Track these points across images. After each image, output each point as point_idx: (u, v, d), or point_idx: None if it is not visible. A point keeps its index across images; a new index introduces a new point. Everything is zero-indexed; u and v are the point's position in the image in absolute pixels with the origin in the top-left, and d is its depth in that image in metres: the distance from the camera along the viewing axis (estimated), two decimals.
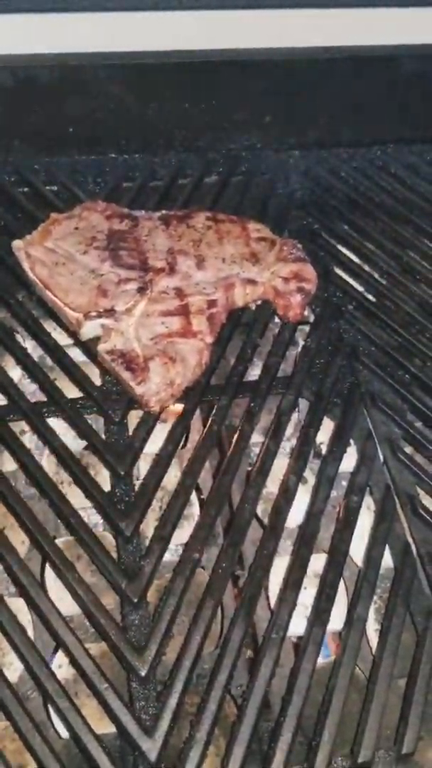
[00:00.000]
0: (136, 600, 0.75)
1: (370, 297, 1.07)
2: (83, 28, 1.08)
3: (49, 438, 0.86)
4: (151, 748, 0.67)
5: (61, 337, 0.98)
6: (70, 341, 0.97)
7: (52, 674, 0.72)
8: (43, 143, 1.17)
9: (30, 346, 1.00)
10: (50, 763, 0.67)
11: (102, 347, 0.88)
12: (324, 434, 0.93)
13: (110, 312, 0.90)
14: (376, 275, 1.11)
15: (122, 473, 0.84)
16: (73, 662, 0.73)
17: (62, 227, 0.99)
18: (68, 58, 1.10)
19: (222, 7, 1.10)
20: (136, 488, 0.84)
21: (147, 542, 0.80)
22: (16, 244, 0.96)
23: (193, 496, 0.91)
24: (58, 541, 0.84)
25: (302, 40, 1.17)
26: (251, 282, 0.97)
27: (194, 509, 0.89)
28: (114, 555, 0.80)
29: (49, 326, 0.98)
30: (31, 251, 0.95)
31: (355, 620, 0.76)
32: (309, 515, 0.83)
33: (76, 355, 0.96)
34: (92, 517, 0.91)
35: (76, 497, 0.85)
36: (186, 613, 0.78)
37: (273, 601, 0.80)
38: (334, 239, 1.14)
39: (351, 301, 1.06)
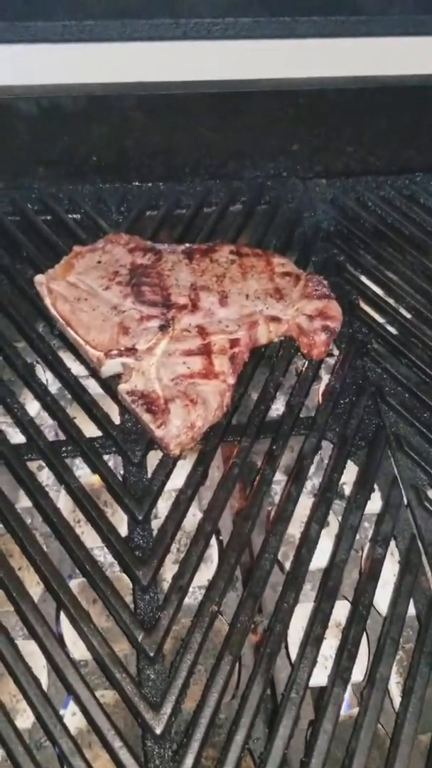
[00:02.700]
0: (152, 654, 0.73)
1: (395, 333, 1.05)
2: (109, 57, 1.06)
3: (66, 479, 0.85)
4: None
5: (81, 369, 0.97)
6: (89, 373, 0.96)
7: (65, 729, 0.70)
8: (67, 171, 1.16)
9: (49, 378, 0.99)
10: None
11: (122, 387, 0.87)
12: (347, 477, 0.91)
13: (131, 351, 0.88)
14: (402, 310, 1.08)
15: (140, 518, 0.82)
16: (86, 714, 0.71)
17: (85, 260, 0.98)
18: (93, 87, 1.09)
19: (249, 37, 1.08)
20: (155, 533, 0.82)
21: (165, 587, 0.79)
22: (38, 279, 0.95)
23: (213, 539, 0.90)
24: (73, 582, 0.83)
25: (330, 70, 1.15)
26: (275, 319, 0.95)
27: (213, 551, 0.87)
28: (129, 600, 0.78)
29: (69, 359, 0.97)
30: (53, 286, 0.94)
31: (377, 680, 0.74)
32: (331, 565, 0.81)
33: (95, 388, 0.95)
34: (108, 557, 0.89)
35: (91, 537, 0.84)
36: (204, 664, 0.77)
37: (293, 650, 0.78)
38: (360, 271, 1.12)
39: (376, 337, 1.03)
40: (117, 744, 0.69)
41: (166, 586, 0.79)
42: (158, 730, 0.69)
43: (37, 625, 0.75)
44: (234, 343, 0.91)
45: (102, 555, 0.90)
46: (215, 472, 0.92)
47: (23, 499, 0.88)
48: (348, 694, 0.82)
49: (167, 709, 0.70)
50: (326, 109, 1.18)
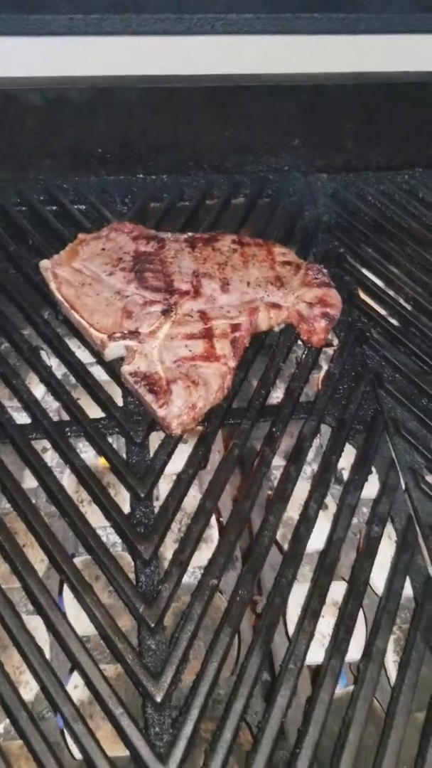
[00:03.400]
0: (153, 625, 0.75)
1: (394, 322, 1.07)
2: (115, 51, 1.09)
3: (71, 457, 0.86)
4: None
5: (85, 356, 0.99)
6: (93, 360, 0.98)
7: (68, 697, 0.71)
8: (72, 163, 1.19)
9: (54, 364, 1.01)
10: None
11: (125, 369, 0.88)
12: (345, 460, 0.92)
13: (134, 334, 0.90)
14: (402, 300, 1.10)
15: (142, 495, 0.84)
16: (89, 684, 0.73)
17: (89, 247, 1.00)
18: (99, 80, 1.11)
19: (251, 33, 1.11)
20: (156, 510, 0.84)
21: (165, 564, 0.80)
22: (44, 264, 0.97)
23: (213, 519, 0.91)
24: (77, 560, 0.84)
25: (332, 66, 1.17)
26: (275, 306, 0.97)
27: (213, 531, 0.89)
28: (132, 577, 0.80)
29: (74, 345, 0.99)
30: (58, 271, 0.96)
31: (374, 653, 0.75)
32: (329, 544, 0.82)
33: (99, 373, 0.96)
34: (111, 537, 0.91)
35: (95, 516, 0.86)
36: (203, 639, 0.78)
37: (291, 627, 0.79)
38: (360, 263, 1.14)
39: (375, 326, 1.05)
40: (118, 711, 0.70)
41: (166, 564, 0.81)
42: (158, 698, 0.71)
43: (42, 598, 0.77)
44: (235, 327, 0.93)
45: (104, 535, 0.91)
46: (216, 456, 0.94)
47: (28, 479, 0.90)
48: (345, 671, 0.84)
49: (167, 678, 0.72)
50: (327, 104, 1.21)
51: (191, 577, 0.86)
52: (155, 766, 0.68)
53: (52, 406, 0.98)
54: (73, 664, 0.75)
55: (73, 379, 0.98)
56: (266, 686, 0.80)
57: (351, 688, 0.76)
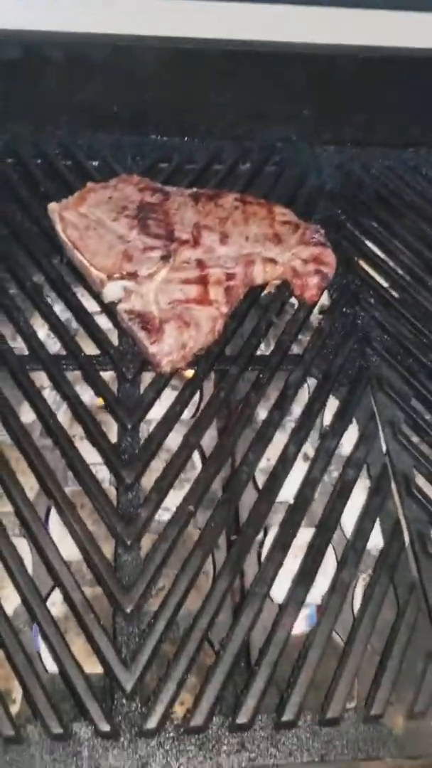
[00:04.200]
0: (129, 542, 0.78)
1: (388, 288, 1.10)
2: (135, 11, 1.13)
3: (65, 388, 0.90)
4: (128, 678, 0.70)
5: (88, 304, 1.03)
6: (95, 309, 1.01)
7: (47, 611, 0.75)
8: (88, 120, 1.22)
9: (58, 310, 1.04)
10: (36, 692, 0.70)
11: (121, 307, 0.92)
12: (328, 413, 0.96)
13: (133, 275, 0.94)
14: (398, 269, 1.13)
15: (129, 426, 0.87)
16: (67, 598, 0.76)
17: (97, 195, 1.04)
18: (118, 39, 1.15)
19: (272, 1, 1.14)
20: (141, 443, 0.87)
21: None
22: (52, 206, 1.02)
23: (197, 461, 0.95)
24: (66, 489, 0.88)
25: (347, 38, 1.20)
26: (271, 261, 1.00)
27: (197, 473, 0.92)
28: (114, 502, 0.83)
29: (77, 291, 1.02)
30: (64, 214, 1.00)
31: (338, 584, 0.78)
32: (305, 482, 0.85)
33: (100, 322, 1.00)
34: (99, 474, 0.95)
35: (85, 453, 0.89)
36: (176, 566, 0.81)
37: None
38: (359, 231, 1.17)
39: (369, 290, 1.08)
40: (91, 622, 0.74)
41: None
42: (128, 609, 0.74)
43: (31, 519, 0.80)
44: (230, 276, 0.96)
45: (94, 471, 0.94)
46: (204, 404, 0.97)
47: (24, 414, 0.93)
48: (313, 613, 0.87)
49: (138, 590, 0.75)
50: (338, 77, 1.24)
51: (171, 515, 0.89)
52: (120, 671, 0.71)
53: (53, 348, 1.02)
54: (53, 580, 0.78)
55: (74, 325, 1.02)
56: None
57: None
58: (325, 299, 1.07)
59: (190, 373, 0.94)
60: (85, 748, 0.67)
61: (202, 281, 0.95)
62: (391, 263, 1.13)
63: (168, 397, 0.92)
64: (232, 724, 0.69)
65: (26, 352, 0.95)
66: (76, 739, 0.68)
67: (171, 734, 0.69)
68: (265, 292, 1.03)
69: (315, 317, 1.06)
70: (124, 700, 0.70)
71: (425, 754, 0.70)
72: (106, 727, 0.67)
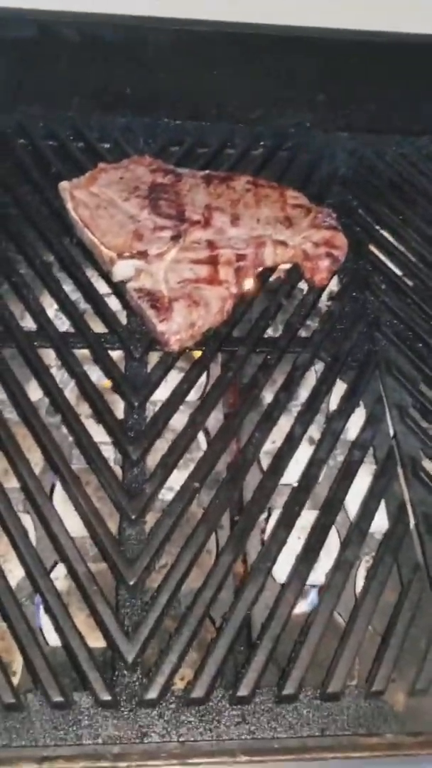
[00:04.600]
0: (134, 517, 0.79)
1: (399, 273, 1.09)
2: None
3: (73, 366, 0.90)
4: (129, 650, 0.71)
5: (97, 285, 1.03)
6: (104, 290, 1.02)
7: (51, 582, 0.75)
8: (101, 102, 1.23)
9: (68, 289, 1.05)
10: (38, 662, 0.70)
11: (130, 285, 0.92)
12: (336, 396, 0.95)
13: (143, 254, 0.94)
14: (409, 255, 1.13)
15: (136, 404, 0.88)
16: (71, 571, 0.76)
17: (108, 175, 1.04)
18: (132, 20, 1.15)
19: None
20: (148, 420, 0.87)
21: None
22: (63, 185, 1.02)
23: (203, 441, 0.95)
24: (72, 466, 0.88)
25: (364, 23, 1.19)
26: (282, 243, 1.00)
27: (202, 453, 0.92)
28: (120, 479, 0.84)
29: (87, 271, 1.02)
30: (75, 193, 1.00)
31: (341, 562, 0.78)
32: (310, 464, 0.85)
33: (109, 302, 1.00)
34: (105, 452, 0.95)
35: (92, 431, 0.89)
36: (180, 543, 0.81)
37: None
38: (371, 217, 1.16)
39: (380, 275, 1.08)
40: (94, 594, 0.74)
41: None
42: (131, 582, 0.74)
43: (37, 494, 0.81)
44: (240, 257, 0.96)
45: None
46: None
47: (32, 393, 0.94)
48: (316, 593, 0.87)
49: (142, 563, 0.75)
50: (353, 62, 1.23)
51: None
52: (122, 642, 0.71)
53: (61, 327, 1.02)
54: (58, 554, 0.79)
55: (83, 304, 1.02)
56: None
57: None
58: (334, 284, 1.06)
59: (197, 353, 0.94)
60: (85, 716, 0.68)
61: (212, 261, 0.95)
62: (402, 249, 1.13)
63: (175, 377, 0.92)
64: (233, 696, 0.69)
65: (35, 330, 0.95)
66: (76, 708, 0.68)
67: (172, 705, 0.69)
68: (275, 275, 1.03)
69: (324, 303, 1.06)
70: (125, 671, 0.70)
71: (426, 731, 0.70)
72: (107, 697, 0.67)
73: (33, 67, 1.19)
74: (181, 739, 0.67)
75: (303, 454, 0.87)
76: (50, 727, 0.67)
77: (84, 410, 0.92)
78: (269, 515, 0.87)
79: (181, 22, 1.16)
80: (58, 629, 0.73)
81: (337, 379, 0.96)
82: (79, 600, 0.76)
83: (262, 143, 1.24)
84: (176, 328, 0.89)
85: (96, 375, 0.95)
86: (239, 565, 0.86)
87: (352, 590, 0.83)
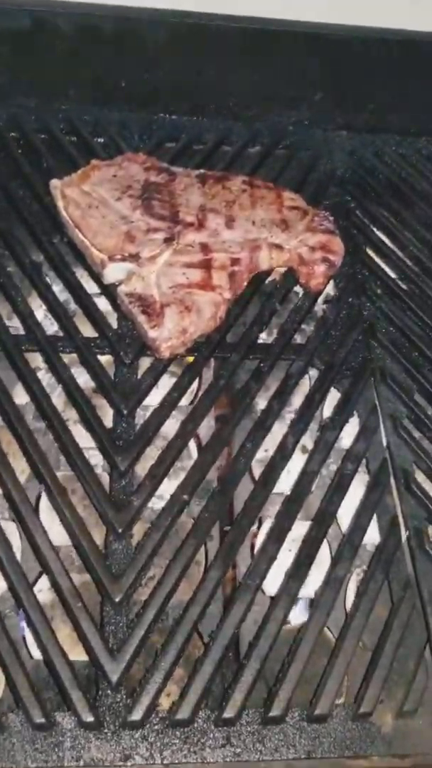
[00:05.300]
0: (120, 530, 0.77)
1: (396, 279, 1.07)
2: None
3: (60, 371, 0.88)
4: (114, 669, 0.69)
5: (88, 286, 1.00)
6: (94, 291, 0.99)
7: (35, 597, 0.73)
8: (95, 95, 1.20)
9: (56, 290, 1.02)
10: (20, 679, 0.69)
11: (122, 289, 0.90)
12: (329, 405, 0.94)
13: (135, 257, 0.92)
14: (406, 260, 1.11)
15: (125, 412, 0.86)
16: (54, 585, 0.74)
17: (101, 173, 1.02)
18: (129, 11, 1.12)
19: None
20: (137, 429, 0.86)
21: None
22: (54, 183, 0.99)
23: (193, 449, 0.93)
24: (57, 474, 0.86)
25: (365, 20, 1.17)
26: (277, 247, 0.98)
27: (192, 462, 0.90)
28: (107, 489, 0.82)
29: (77, 272, 1.00)
30: (67, 191, 0.98)
31: (332, 579, 0.77)
32: (302, 475, 0.84)
33: (99, 304, 0.97)
34: (93, 459, 0.93)
35: (79, 437, 0.87)
36: (168, 556, 0.80)
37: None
38: (369, 219, 1.14)
39: (376, 280, 1.06)
40: (78, 610, 0.72)
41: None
42: (117, 598, 0.73)
43: (21, 504, 0.79)
44: (235, 261, 0.94)
45: (87, 456, 0.93)
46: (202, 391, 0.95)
47: (18, 397, 0.91)
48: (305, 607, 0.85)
49: (128, 580, 0.74)
50: (354, 61, 1.21)
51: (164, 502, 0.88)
52: (106, 661, 0.70)
53: (50, 330, 1.00)
54: (42, 567, 0.77)
55: (72, 306, 0.99)
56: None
57: None
58: (330, 289, 1.05)
59: (189, 358, 0.92)
60: (68, 738, 0.66)
61: (206, 266, 0.92)
62: (400, 254, 1.11)
63: (166, 383, 0.91)
64: (219, 718, 0.68)
65: (22, 333, 0.92)
66: (58, 729, 0.66)
67: (156, 727, 0.68)
68: (270, 279, 1.00)
69: (319, 307, 1.04)
70: (109, 691, 0.69)
71: (413, 753, 0.69)
72: (89, 718, 0.66)
73: (27, 59, 1.16)
74: (165, 762, 0.66)
75: (295, 464, 0.86)
76: (31, 749, 0.65)
77: (72, 416, 0.90)
78: (260, 525, 0.86)
79: (179, 14, 1.13)
80: (41, 645, 0.71)
81: (332, 388, 0.94)
82: (63, 612, 0.75)
83: (259, 140, 1.21)
84: (167, 334, 0.87)
85: (84, 378, 0.93)
86: (229, 574, 0.85)
87: (342, 604, 0.81)
